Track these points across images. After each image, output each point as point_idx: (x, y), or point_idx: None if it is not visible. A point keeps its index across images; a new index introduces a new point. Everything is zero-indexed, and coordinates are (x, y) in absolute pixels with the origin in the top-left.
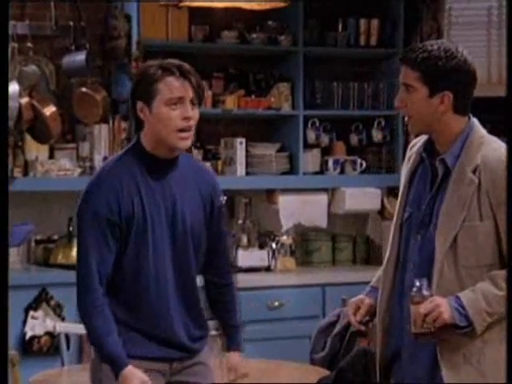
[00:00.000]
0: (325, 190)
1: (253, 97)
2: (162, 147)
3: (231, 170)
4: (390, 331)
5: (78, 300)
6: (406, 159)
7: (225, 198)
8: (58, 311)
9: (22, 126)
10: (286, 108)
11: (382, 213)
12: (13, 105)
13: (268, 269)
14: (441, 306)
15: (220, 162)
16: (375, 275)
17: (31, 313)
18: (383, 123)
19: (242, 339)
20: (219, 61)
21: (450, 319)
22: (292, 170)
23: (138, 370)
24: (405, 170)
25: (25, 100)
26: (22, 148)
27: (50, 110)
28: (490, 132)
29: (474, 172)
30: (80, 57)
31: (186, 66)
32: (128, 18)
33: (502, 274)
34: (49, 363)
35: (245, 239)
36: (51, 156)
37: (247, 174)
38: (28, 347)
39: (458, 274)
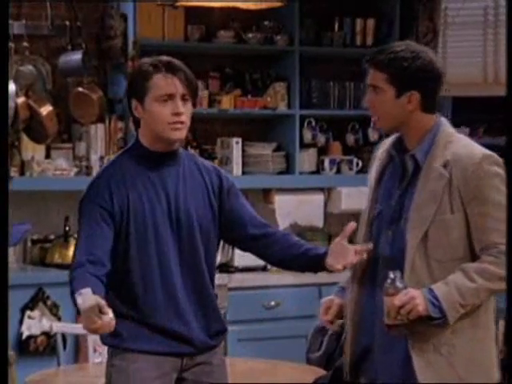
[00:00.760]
0: (321, 189)
1: (249, 96)
2: (159, 142)
3: (227, 169)
4: (360, 328)
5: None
6: (375, 159)
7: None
8: (54, 311)
9: (18, 125)
10: (283, 108)
11: None
12: (9, 104)
13: (264, 268)
14: (415, 299)
15: (216, 162)
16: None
17: (28, 312)
18: None
19: None
20: (215, 60)
21: (424, 311)
22: (288, 169)
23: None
24: (373, 169)
25: (21, 100)
26: (18, 148)
27: (46, 109)
28: (486, 131)
29: (444, 167)
30: (76, 56)
31: (176, 62)
32: (124, 18)
33: (474, 266)
34: (45, 363)
35: None
36: (47, 156)
37: (243, 173)
38: (24, 347)
39: (429, 267)
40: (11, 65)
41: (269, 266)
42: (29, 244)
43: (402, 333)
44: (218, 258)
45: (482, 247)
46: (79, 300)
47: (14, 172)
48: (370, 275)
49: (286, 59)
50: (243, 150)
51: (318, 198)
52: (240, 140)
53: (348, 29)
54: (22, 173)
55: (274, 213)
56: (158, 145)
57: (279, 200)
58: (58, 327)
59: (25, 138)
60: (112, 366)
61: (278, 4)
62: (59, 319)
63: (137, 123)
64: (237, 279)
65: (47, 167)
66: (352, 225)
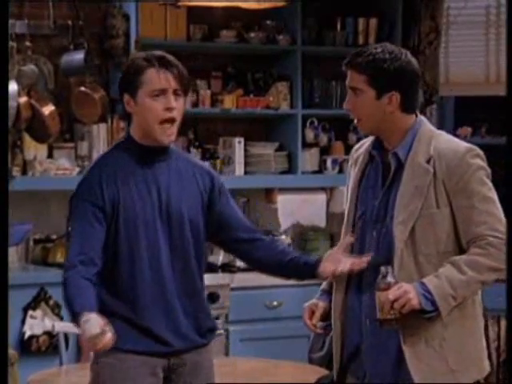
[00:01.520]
0: (323, 189)
1: (251, 96)
2: (149, 138)
3: (230, 169)
4: (348, 328)
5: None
6: (353, 161)
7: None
8: (56, 311)
9: (20, 125)
10: (285, 107)
11: None
12: (11, 104)
13: None
14: (409, 292)
15: (219, 162)
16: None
17: (30, 312)
18: None
19: None
20: (218, 60)
21: (417, 305)
22: (290, 169)
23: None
24: (352, 172)
25: (23, 99)
26: (20, 147)
27: (48, 109)
28: (488, 130)
29: (427, 162)
30: (78, 56)
31: (169, 56)
32: (126, 17)
33: (464, 258)
34: (47, 363)
35: None
36: (50, 155)
37: (246, 173)
38: (26, 347)
39: (417, 262)
40: (13, 64)
41: None
42: (31, 244)
43: (393, 327)
44: (221, 258)
45: (469, 240)
46: (85, 325)
47: (16, 171)
48: (357, 275)
49: (288, 59)
50: (245, 150)
51: (321, 198)
52: (242, 139)
53: (350, 28)
54: (24, 172)
55: (277, 212)
56: (148, 140)
57: (281, 200)
58: (60, 327)
59: (27, 138)
60: (99, 363)
61: (280, 3)
62: (61, 319)
63: (129, 118)
64: (239, 279)
65: (49, 167)
66: (350, 238)
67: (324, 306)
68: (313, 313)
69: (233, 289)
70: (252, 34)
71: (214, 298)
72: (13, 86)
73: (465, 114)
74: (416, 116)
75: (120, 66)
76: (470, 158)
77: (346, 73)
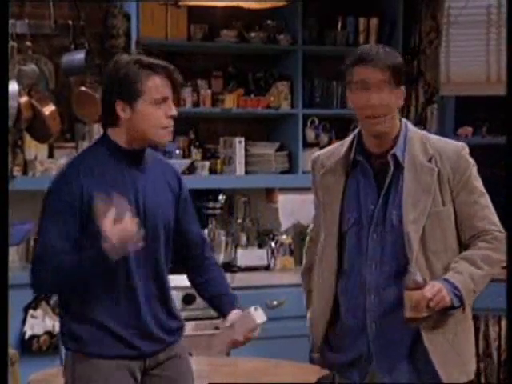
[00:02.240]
0: None
1: (252, 96)
2: (140, 142)
3: (230, 169)
4: (346, 337)
5: (35, 276)
6: (326, 170)
7: (224, 197)
8: (57, 311)
9: (21, 125)
10: (285, 107)
11: None
12: (12, 104)
13: (267, 268)
14: (442, 290)
15: (219, 161)
16: None
17: (30, 312)
18: None
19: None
20: (218, 60)
21: (449, 302)
22: (291, 168)
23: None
24: (328, 183)
25: (24, 99)
26: (21, 147)
27: (49, 108)
28: (489, 130)
29: (429, 161)
30: (79, 56)
31: (171, 66)
32: (127, 17)
33: (477, 254)
34: (48, 362)
35: (244, 238)
36: (50, 155)
37: (246, 172)
38: (27, 346)
39: (428, 260)
40: (14, 64)
41: (272, 266)
42: (32, 243)
43: (420, 325)
44: (221, 258)
45: (473, 234)
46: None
47: (16, 171)
48: (354, 282)
49: (288, 58)
50: (246, 150)
51: None
52: (243, 139)
53: (351, 28)
54: (24, 172)
55: (277, 212)
56: (135, 144)
57: (282, 199)
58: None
59: (28, 138)
60: (74, 370)
61: (281, 3)
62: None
63: (112, 122)
64: (240, 279)
65: (50, 166)
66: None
67: None
68: None
69: (233, 288)
70: (253, 34)
71: None
72: (13, 86)
73: (466, 113)
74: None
75: None
76: (466, 155)
77: (357, 71)
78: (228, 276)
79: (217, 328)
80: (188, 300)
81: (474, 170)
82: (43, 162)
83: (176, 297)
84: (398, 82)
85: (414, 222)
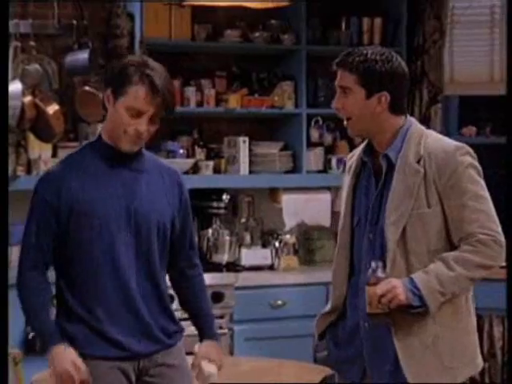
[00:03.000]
0: (328, 188)
1: (256, 95)
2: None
3: (234, 168)
4: (348, 335)
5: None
6: (347, 169)
7: (228, 196)
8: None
9: (24, 124)
10: (289, 107)
11: None
12: (16, 103)
13: (271, 267)
14: (396, 287)
15: (223, 161)
16: None
17: None
18: None
19: (216, 330)
20: (222, 60)
21: (405, 300)
22: (295, 168)
23: (71, 351)
24: (347, 180)
25: (28, 99)
26: (25, 147)
27: (52, 108)
28: (492, 130)
29: (418, 162)
30: (83, 55)
31: (166, 80)
32: (131, 17)
33: (452, 255)
34: None
35: (248, 238)
36: (54, 154)
37: (250, 172)
38: (30, 346)
39: (408, 261)
40: (18, 64)
41: (276, 265)
42: None
43: (383, 321)
44: (225, 258)
45: (460, 237)
46: (51, 356)
47: (20, 171)
48: (355, 279)
49: (292, 58)
50: (250, 149)
51: (325, 197)
52: (247, 139)
53: (355, 28)
54: (28, 172)
55: (281, 212)
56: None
57: (286, 199)
58: None
59: (31, 137)
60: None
61: (285, 3)
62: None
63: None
64: (244, 278)
65: None
66: None
67: None
68: None
69: (237, 288)
70: (256, 34)
71: (218, 297)
72: (17, 86)
73: (469, 113)
74: (406, 117)
75: None
76: (460, 156)
77: (335, 72)
78: (232, 275)
79: (221, 327)
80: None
81: (469, 171)
82: (47, 162)
83: (178, 297)
84: (370, 86)
85: (393, 224)
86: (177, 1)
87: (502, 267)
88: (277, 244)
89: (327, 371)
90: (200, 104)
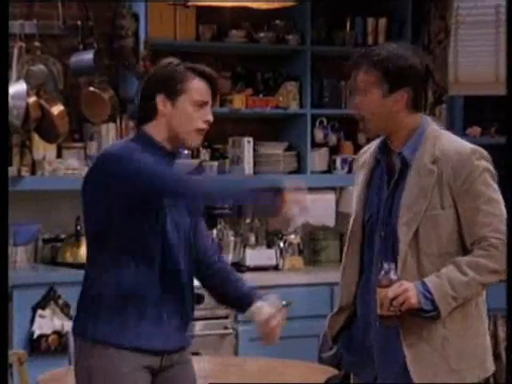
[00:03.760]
0: (333, 188)
1: (260, 96)
2: (174, 141)
3: (239, 169)
4: (360, 336)
5: (179, 192)
6: (358, 165)
7: None
8: (65, 310)
9: (29, 125)
10: (294, 107)
11: None
12: (20, 104)
13: (276, 268)
14: (408, 291)
15: (228, 161)
16: None
17: (39, 312)
18: None
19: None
20: (227, 60)
21: (416, 303)
22: (300, 169)
23: None
24: (360, 176)
25: (32, 99)
26: (29, 147)
27: (57, 109)
28: (497, 130)
29: (433, 163)
30: (88, 56)
31: (215, 73)
32: (136, 18)
33: (465, 259)
34: (57, 362)
35: (253, 238)
36: (59, 155)
37: (255, 173)
38: (36, 346)
39: (420, 262)
40: (23, 64)
41: (280, 266)
42: (40, 243)
43: (393, 324)
44: (230, 258)
45: (473, 241)
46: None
47: (25, 171)
48: (366, 278)
49: (297, 59)
50: (254, 150)
51: (330, 198)
52: (251, 139)
53: (359, 28)
54: (33, 172)
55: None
56: (171, 143)
57: None
58: (69, 326)
59: (36, 138)
60: (90, 365)
61: (290, 3)
62: (70, 318)
63: (148, 117)
64: (248, 278)
65: (58, 167)
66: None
67: None
68: None
69: None
70: (261, 34)
71: None
72: (22, 86)
73: (474, 113)
74: (422, 116)
75: (129, 67)
76: (476, 160)
77: (349, 73)
78: None
79: (226, 328)
80: (197, 300)
81: (484, 175)
82: (51, 162)
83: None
84: (390, 84)
85: (406, 224)
86: (181, 1)
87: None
88: (281, 244)
89: (332, 371)
90: None
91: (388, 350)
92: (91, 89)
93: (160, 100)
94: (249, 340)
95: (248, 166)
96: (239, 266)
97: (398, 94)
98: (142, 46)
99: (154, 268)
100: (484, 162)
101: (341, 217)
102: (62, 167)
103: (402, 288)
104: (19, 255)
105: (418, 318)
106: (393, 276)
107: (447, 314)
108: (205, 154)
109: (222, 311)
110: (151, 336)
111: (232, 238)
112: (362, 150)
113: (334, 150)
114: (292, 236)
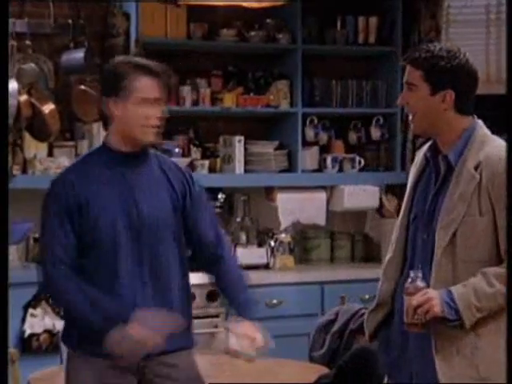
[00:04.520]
0: (323, 187)
1: (251, 94)
2: (130, 141)
3: (230, 167)
4: (395, 329)
5: (47, 284)
6: (414, 162)
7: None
8: (56, 309)
9: (20, 123)
10: (285, 106)
11: (380, 210)
12: (11, 102)
13: (267, 266)
14: (433, 300)
15: (219, 160)
16: None
17: (30, 311)
18: (382, 121)
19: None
20: (218, 59)
21: (440, 312)
22: (291, 167)
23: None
24: (411, 174)
25: (23, 98)
26: (20, 146)
27: (48, 107)
28: (489, 129)
29: (475, 169)
30: (79, 55)
31: (163, 67)
32: (127, 16)
33: (494, 271)
34: (48, 361)
35: (243, 237)
36: (50, 154)
37: (246, 171)
38: (27, 345)
39: (455, 268)
40: (14, 63)
41: (271, 264)
42: (31, 242)
43: (419, 331)
44: None
45: (505, 249)
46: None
47: (16, 170)
48: (405, 277)
49: (288, 57)
50: (245, 148)
51: (321, 196)
52: (242, 138)
53: (350, 27)
54: (24, 171)
55: (277, 211)
56: (127, 144)
57: (281, 198)
58: (60, 325)
59: (27, 136)
60: (69, 369)
61: (281, 2)
62: (62, 317)
63: (107, 122)
64: None
65: (50, 165)
66: None
67: None
68: None
69: None
70: (252, 33)
71: (214, 296)
72: (13, 85)
73: None
74: (472, 119)
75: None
76: None
77: (404, 68)
78: None
79: (216, 327)
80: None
81: None
82: (43, 161)
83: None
84: (435, 83)
85: (443, 228)
86: (173, 0)
87: None
88: (272, 243)
89: (322, 370)
90: (196, 103)
91: (423, 351)
92: (82, 87)
93: (112, 103)
94: None
95: (239, 164)
96: None
97: (442, 94)
98: (133, 45)
99: (111, 286)
100: None
101: (332, 215)
102: (53, 166)
103: (426, 297)
104: (11, 254)
105: (450, 329)
106: (419, 284)
107: (480, 322)
108: (196, 153)
109: (212, 310)
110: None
111: None
112: (421, 148)
113: (325, 149)
114: (283, 235)
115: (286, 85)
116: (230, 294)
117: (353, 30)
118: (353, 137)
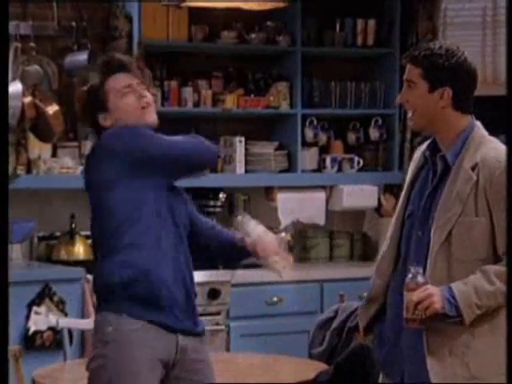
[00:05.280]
0: (323, 187)
1: (252, 96)
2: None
3: (230, 168)
4: (388, 325)
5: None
6: (413, 160)
7: (224, 195)
8: (60, 307)
9: (24, 124)
10: (285, 107)
11: (379, 210)
12: (16, 104)
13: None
14: (433, 296)
15: (220, 161)
16: None
17: (34, 308)
18: (380, 122)
19: None
20: (219, 60)
21: (440, 309)
22: (290, 167)
23: None
24: (409, 171)
25: (28, 99)
26: (25, 146)
27: (52, 108)
28: (486, 131)
29: (473, 169)
30: (82, 56)
31: (128, 58)
32: (129, 18)
33: (494, 269)
34: (52, 358)
35: None
36: (54, 154)
37: (246, 171)
38: (31, 342)
39: (451, 267)
40: (18, 64)
41: None
42: (35, 241)
43: (418, 327)
44: None
45: (504, 250)
46: None
47: (20, 170)
48: (400, 276)
49: (288, 59)
50: (246, 149)
51: (320, 196)
52: (243, 139)
53: (349, 29)
54: (28, 171)
55: (277, 210)
56: None
57: (281, 198)
58: (64, 322)
59: (31, 137)
60: (110, 325)
61: (281, 5)
62: (65, 315)
63: (99, 132)
64: (239, 275)
65: (53, 165)
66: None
67: None
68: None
69: (233, 285)
70: (252, 35)
71: (215, 294)
72: (17, 86)
73: None
74: (470, 118)
75: None
76: None
77: (404, 66)
78: (228, 273)
79: (218, 324)
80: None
81: None
82: (46, 161)
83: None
84: (434, 80)
85: (439, 227)
86: (174, 2)
87: None
88: None
89: (322, 367)
90: (197, 104)
91: (417, 348)
92: (85, 89)
93: (102, 120)
94: (240, 336)
95: (239, 164)
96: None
97: (440, 91)
98: (135, 47)
99: (164, 255)
100: None
101: (331, 215)
102: (57, 166)
103: (426, 293)
104: (15, 252)
105: (443, 324)
106: (420, 279)
107: (475, 321)
108: None
109: (213, 307)
110: (170, 314)
111: None
112: (420, 146)
113: (324, 149)
114: (282, 234)
115: (286, 86)
116: (227, 239)
117: (351, 31)
118: (351, 137)
